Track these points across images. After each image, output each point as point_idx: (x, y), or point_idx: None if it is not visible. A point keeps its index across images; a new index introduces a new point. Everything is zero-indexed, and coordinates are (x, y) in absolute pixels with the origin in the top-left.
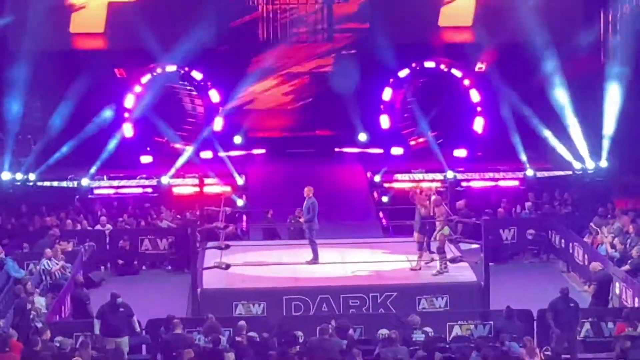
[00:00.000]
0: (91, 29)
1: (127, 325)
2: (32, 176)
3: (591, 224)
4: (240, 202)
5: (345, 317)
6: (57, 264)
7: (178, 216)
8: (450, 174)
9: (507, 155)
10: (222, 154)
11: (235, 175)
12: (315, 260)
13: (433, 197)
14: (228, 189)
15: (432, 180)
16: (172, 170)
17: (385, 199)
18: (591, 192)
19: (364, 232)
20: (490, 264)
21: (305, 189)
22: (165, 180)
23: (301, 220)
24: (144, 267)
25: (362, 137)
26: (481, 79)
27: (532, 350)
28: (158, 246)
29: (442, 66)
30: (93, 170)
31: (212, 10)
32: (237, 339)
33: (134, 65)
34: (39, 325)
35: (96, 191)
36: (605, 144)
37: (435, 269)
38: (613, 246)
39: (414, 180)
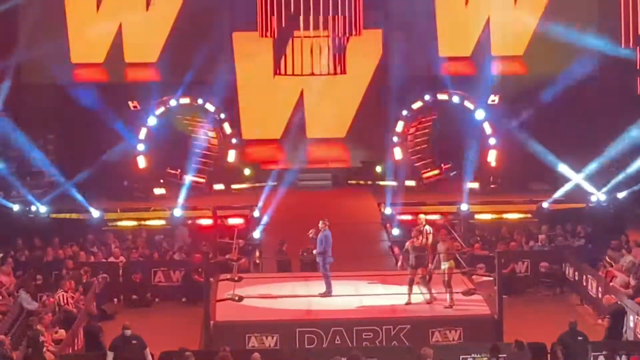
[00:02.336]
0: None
1: (140, 358)
2: (45, 208)
3: (606, 256)
4: (256, 234)
5: (358, 349)
6: (72, 297)
7: (190, 252)
8: (463, 207)
9: (520, 187)
10: (234, 186)
11: (249, 207)
12: (328, 292)
13: (430, 231)
14: (241, 221)
15: (445, 213)
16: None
17: (396, 231)
18: (604, 224)
19: (377, 264)
20: (503, 296)
21: (320, 222)
22: (177, 212)
23: (314, 252)
24: (157, 300)
25: (379, 169)
26: (494, 111)
27: None
28: (171, 278)
29: (455, 98)
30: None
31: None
32: None
33: (147, 98)
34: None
35: (109, 223)
36: (620, 176)
37: (447, 303)
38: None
39: (425, 212)
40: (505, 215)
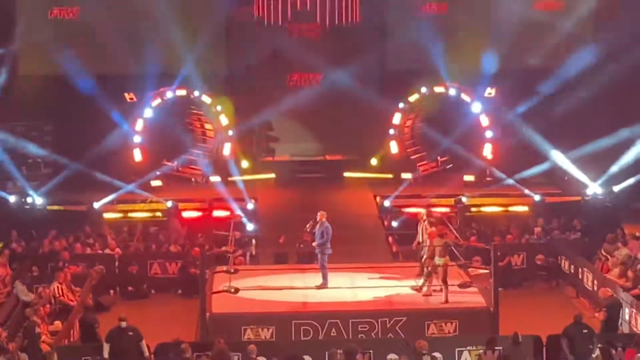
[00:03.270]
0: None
1: (136, 350)
2: (41, 200)
3: (601, 249)
4: (250, 227)
5: (354, 342)
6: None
7: (186, 244)
8: (459, 199)
9: (516, 180)
10: (231, 178)
11: (245, 199)
12: (324, 284)
13: (432, 228)
14: (237, 213)
15: (442, 205)
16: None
17: (394, 223)
18: (601, 217)
19: (373, 257)
20: (499, 289)
21: (319, 213)
22: (169, 203)
23: (314, 244)
24: (153, 291)
25: (374, 161)
26: (491, 104)
27: None
28: (167, 270)
29: (452, 91)
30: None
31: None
32: None
33: (144, 89)
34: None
35: (105, 215)
36: (616, 169)
37: (442, 299)
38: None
39: (423, 205)
40: (501, 208)
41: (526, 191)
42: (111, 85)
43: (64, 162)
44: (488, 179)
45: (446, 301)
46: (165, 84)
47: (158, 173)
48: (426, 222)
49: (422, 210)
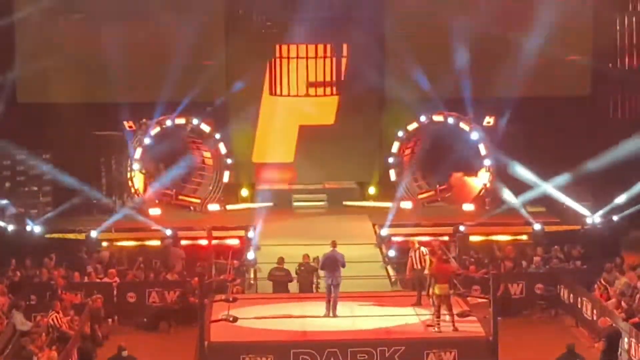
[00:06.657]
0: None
1: None
2: (40, 228)
3: (600, 279)
4: (248, 255)
5: None
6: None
7: (184, 272)
8: (458, 228)
9: (515, 209)
10: (230, 206)
11: (244, 228)
12: (326, 314)
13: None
14: (236, 241)
15: (441, 234)
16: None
17: (392, 252)
18: (600, 246)
19: (372, 285)
20: (498, 318)
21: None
22: (168, 232)
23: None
24: (151, 320)
25: (371, 190)
26: (490, 132)
27: None
28: (165, 299)
29: (450, 119)
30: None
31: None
32: None
33: (143, 118)
34: None
35: (104, 243)
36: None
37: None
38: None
39: (421, 234)
40: (500, 237)
41: (526, 219)
42: (111, 113)
43: (62, 190)
44: (487, 207)
45: (435, 325)
46: (165, 112)
47: (157, 201)
48: (422, 249)
49: (415, 239)
